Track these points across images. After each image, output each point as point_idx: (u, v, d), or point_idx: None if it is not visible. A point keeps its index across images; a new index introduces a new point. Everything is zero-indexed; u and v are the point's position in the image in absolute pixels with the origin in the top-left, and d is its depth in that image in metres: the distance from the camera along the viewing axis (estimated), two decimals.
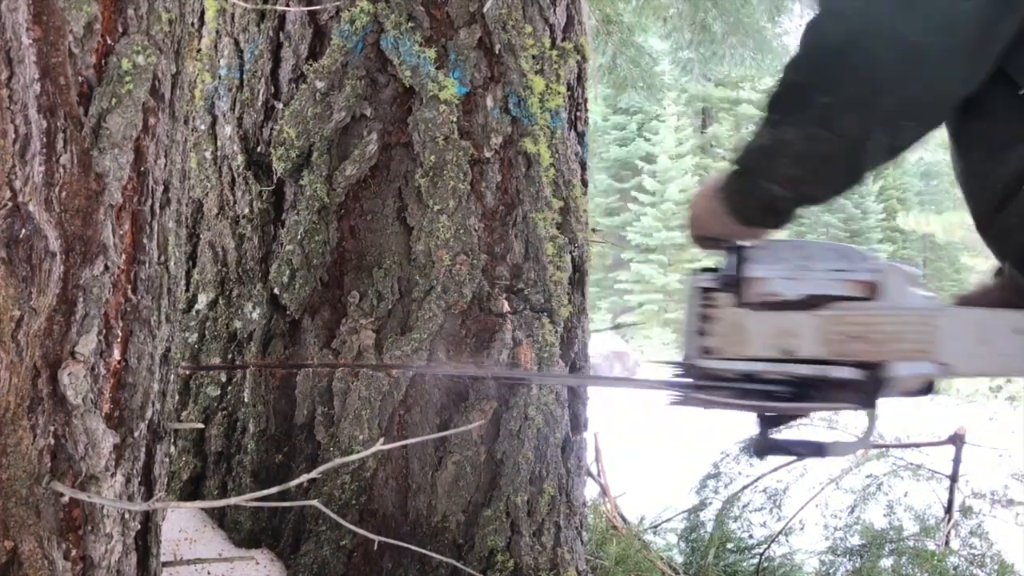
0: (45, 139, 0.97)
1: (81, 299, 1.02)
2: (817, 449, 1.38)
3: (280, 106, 1.85)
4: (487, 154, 1.83)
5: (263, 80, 1.88)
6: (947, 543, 2.86)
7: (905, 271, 1.33)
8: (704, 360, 1.33)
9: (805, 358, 1.29)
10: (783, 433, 1.46)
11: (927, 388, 1.38)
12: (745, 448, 1.50)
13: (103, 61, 1.03)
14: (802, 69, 1.15)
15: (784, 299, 1.30)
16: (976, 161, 1.23)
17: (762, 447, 1.44)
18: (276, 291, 1.81)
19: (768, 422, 1.46)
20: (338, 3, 1.79)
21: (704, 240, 1.42)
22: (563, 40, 2.00)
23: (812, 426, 3.34)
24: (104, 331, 1.05)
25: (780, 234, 1.38)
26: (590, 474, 3.11)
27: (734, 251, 1.35)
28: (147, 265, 1.12)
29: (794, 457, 1.44)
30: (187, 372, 1.90)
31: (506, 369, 1.81)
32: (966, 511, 2.91)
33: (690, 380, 1.38)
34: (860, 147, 1.13)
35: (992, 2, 1.07)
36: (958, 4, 1.06)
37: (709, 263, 1.47)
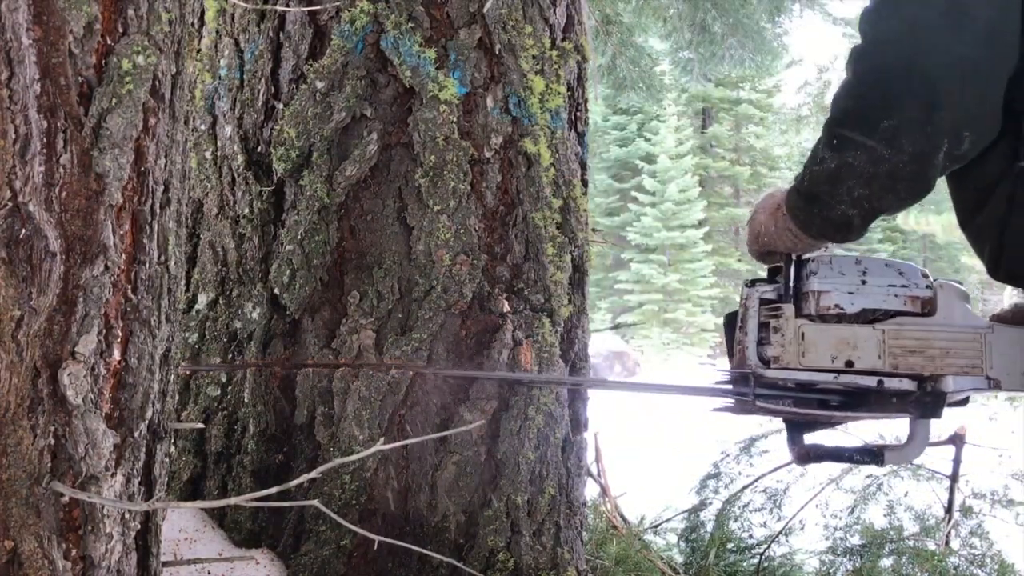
0: (45, 139, 0.97)
1: (81, 299, 1.02)
2: (874, 457, 1.43)
3: (280, 106, 1.85)
4: (487, 154, 1.83)
5: (263, 80, 1.88)
6: (947, 543, 2.86)
7: (958, 288, 1.38)
8: (766, 370, 1.37)
9: (864, 369, 1.33)
10: (820, 438, 1.50)
11: (964, 400, 1.43)
12: (793, 458, 1.52)
13: (103, 61, 1.03)
14: (860, 96, 1.20)
15: (845, 312, 1.35)
16: (960, 170, 1.27)
17: (804, 454, 1.47)
18: (276, 291, 1.81)
19: (798, 429, 1.49)
20: (338, 3, 1.79)
21: (767, 255, 1.45)
22: (563, 40, 2.00)
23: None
24: (104, 331, 1.05)
25: (837, 249, 1.43)
26: (590, 474, 3.11)
27: (795, 264, 1.39)
28: (147, 265, 1.12)
29: (846, 464, 1.48)
30: (187, 372, 1.90)
31: (507, 371, 1.81)
32: (966, 511, 2.91)
33: (748, 389, 1.40)
34: (927, 161, 1.18)
35: (1016, 16, 1.12)
36: (1004, 19, 1.11)
37: (762, 274, 1.51)
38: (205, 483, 1.87)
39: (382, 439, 1.69)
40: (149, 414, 1.15)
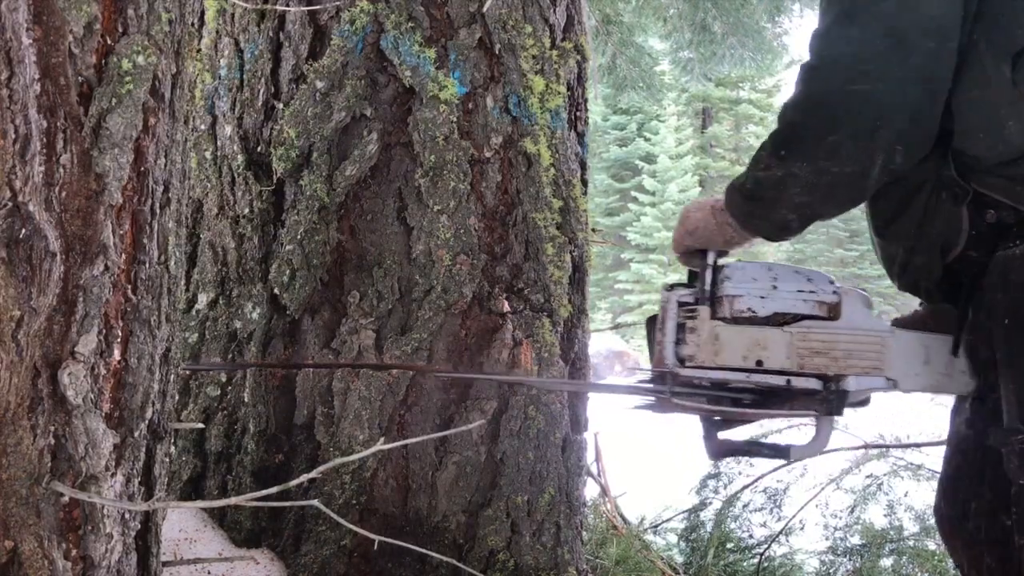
0: (45, 139, 0.97)
1: (81, 299, 1.02)
2: (781, 452, 1.54)
3: (280, 106, 1.85)
4: (487, 154, 1.83)
5: (263, 80, 1.88)
6: None
7: (862, 295, 1.49)
8: (682, 368, 1.47)
9: (773, 369, 1.43)
10: (739, 435, 1.61)
11: (864, 400, 1.54)
12: (707, 453, 1.64)
13: (103, 61, 1.03)
14: (807, 112, 1.31)
15: (757, 315, 1.44)
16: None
17: (717, 449, 1.59)
18: (276, 291, 1.81)
19: (715, 425, 1.60)
20: (338, 3, 1.79)
21: (691, 255, 1.55)
22: (563, 40, 2.00)
23: (813, 426, 3.33)
24: (104, 331, 1.05)
25: (747, 256, 1.51)
26: (590, 474, 3.11)
27: (711, 269, 1.50)
28: (147, 265, 1.12)
29: (752, 457, 1.60)
30: (187, 372, 1.90)
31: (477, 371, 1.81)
32: None
33: (665, 387, 1.49)
34: (865, 174, 1.29)
35: (956, 42, 1.24)
36: (939, 45, 1.22)
37: (679, 279, 1.61)
38: (205, 483, 1.87)
39: (382, 439, 1.69)
40: (149, 414, 1.15)
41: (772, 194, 1.37)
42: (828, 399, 1.44)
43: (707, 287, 1.49)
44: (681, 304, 1.50)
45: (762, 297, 1.44)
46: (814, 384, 1.44)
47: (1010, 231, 1.30)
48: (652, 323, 1.55)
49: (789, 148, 1.33)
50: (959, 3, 1.23)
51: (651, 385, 1.54)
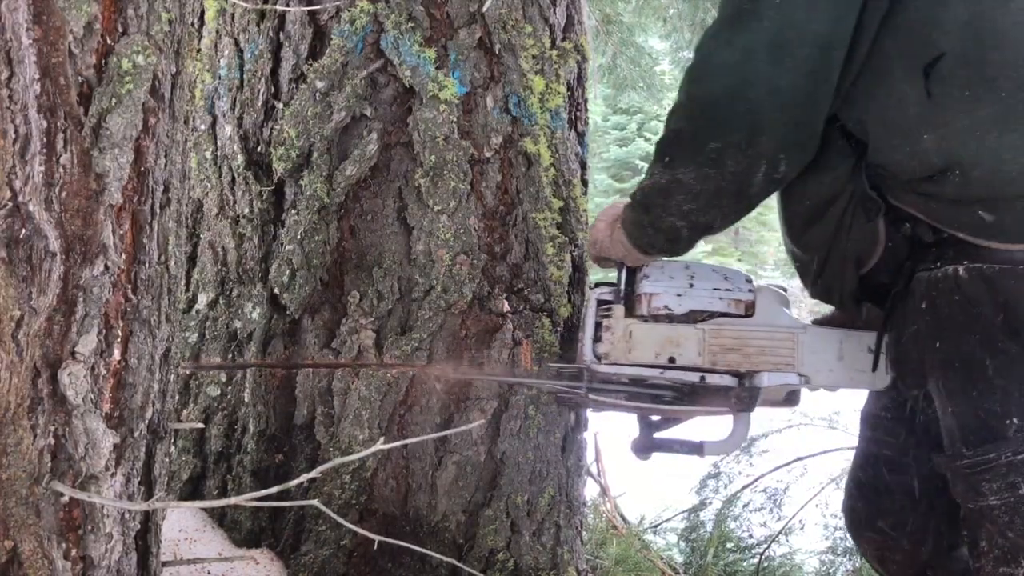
0: (45, 139, 0.97)
1: (81, 299, 1.02)
2: (695, 448, 1.56)
3: (280, 106, 1.85)
4: (487, 154, 1.83)
5: (263, 80, 1.88)
6: None
7: (778, 293, 1.51)
8: (598, 365, 1.50)
9: (686, 366, 1.46)
10: (665, 433, 1.64)
11: (791, 399, 1.56)
12: (632, 451, 1.68)
13: (103, 61, 1.03)
14: (689, 117, 1.32)
15: (673, 313, 1.47)
16: (794, 184, 1.36)
17: (642, 446, 1.61)
18: (276, 291, 1.81)
19: (651, 425, 1.62)
20: (338, 3, 1.79)
21: (604, 261, 1.58)
22: (563, 40, 2.00)
23: (813, 426, 3.34)
24: (104, 331, 1.05)
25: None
26: (590, 474, 3.11)
27: (626, 270, 1.52)
28: (147, 265, 1.12)
29: (673, 454, 1.64)
30: (187, 372, 1.90)
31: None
32: None
33: (583, 384, 1.53)
34: (747, 181, 1.30)
35: (842, 56, 1.24)
36: (822, 57, 1.22)
37: (604, 277, 1.64)
38: (205, 483, 1.87)
39: (382, 439, 1.69)
40: (149, 414, 1.15)
41: (659, 201, 1.37)
42: (741, 396, 1.45)
43: (622, 287, 1.52)
44: (600, 303, 1.54)
45: (679, 295, 1.47)
46: (728, 381, 1.46)
47: (928, 250, 1.29)
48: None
49: (673, 154, 1.33)
50: (851, 16, 1.22)
51: (569, 381, 1.59)
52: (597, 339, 1.52)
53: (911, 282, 1.31)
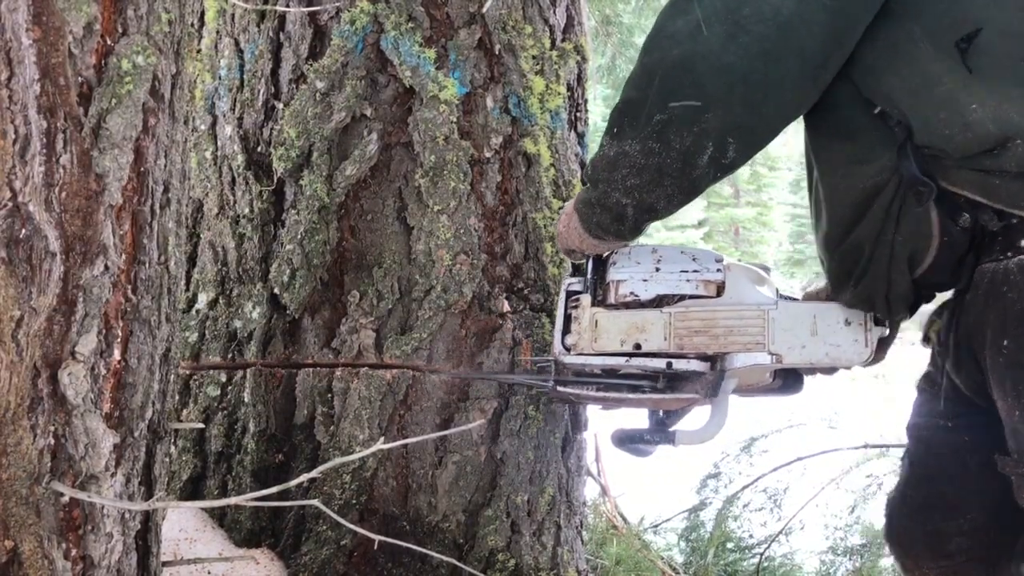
0: (45, 139, 0.98)
1: (81, 299, 1.02)
2: (667, 438, 1.50)
3: (280, 106, 1.85)
4: (487, 154, 1.83)
5: (263, 80, 1.88)
6: None
7: (751, 270, 1.44)
8: (566, 356, 1.46)
9: (653, 352, 1.40)
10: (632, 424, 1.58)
11: (788, 386, 1.48)
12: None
13: (103, 61, 1.03)
14: (639, 86, 1.24)
15: (640, 299, 1.42)
16: (837, 182, 1.28)
17: (615, 438, 1.55)
18: (276, 291, 1.81)
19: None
20: (338, 3, 1.79)
21: (571, 253, 1.53)
22: (563, 41, 2.00)
23: (813, 426, 3.34)
24: (104, 331, 1.05)
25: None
26: (590, 474, 3.11)
27: (591, 260, 1.48)
28: (147, 265, 1.12)
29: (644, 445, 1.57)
30: (187, 372, 1.90)
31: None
32: None
33: (549, 376, 1.50)
34: (691, 161, 1.22)
35: (817, 42, 1.15)
36: (783, 39, 1.15)
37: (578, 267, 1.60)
38: (205, 483, 1.87)
39: (382, 439, 1.69)
40: (149, 414, 1.15)
41: (605, 175, 1.31)
42: (712, 381, 1.39)
43: (589, 276, 1.48)
44: (570, 294, 1.50)
45: (644, 280, 1.42)
46: (698, 366, 1.39)
47: (994, 240, 1.17)
48: None
49: (621, 125, 1.27)
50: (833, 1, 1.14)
51: (536, 376, 1.57)
52: (567, 331, 1.49)
53: (973, 276, 1.20)
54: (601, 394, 1.48)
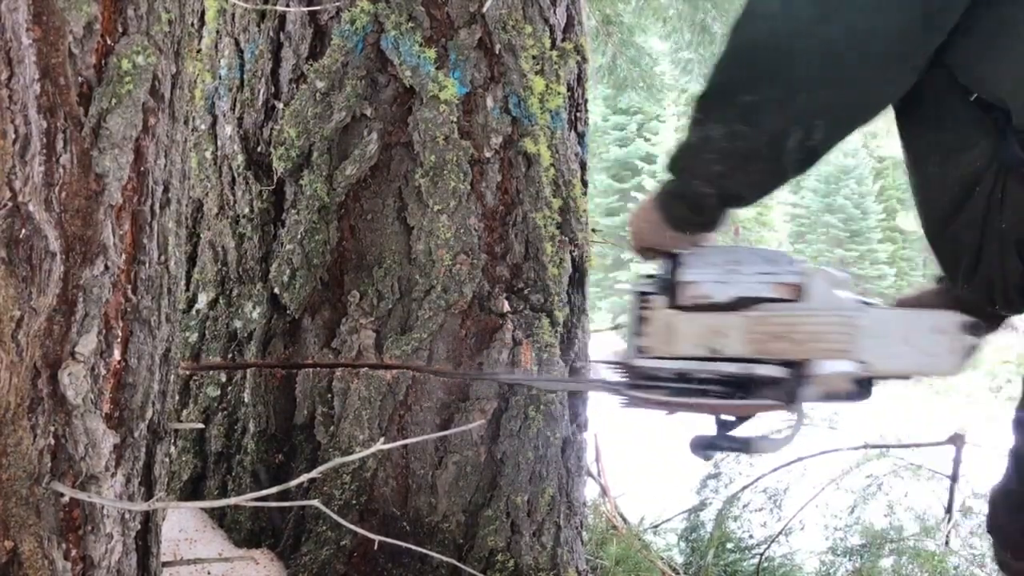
0: (45, 139, 0.97)
1: (81, 299, 1.02)
2: (743, 445, 1.44)
3: (280, 106, 1.85)
4: (487, 154, 1.83)
5: (263, 80, 1.88)
6: (947, 543, 2.86)
7: (832, 274, 1.38)
8: (638, 359, 1.40)
9: (731, 356, 1.34)
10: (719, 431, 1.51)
11: (860, 393, 1.42)
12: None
13: (103, 61, 1.03)
14: (727, 68, 1.19)
15: (716, 301, 1.35)
16: (930, 170, 1.24)
17: (695, 445, 1.49)
18: (276, 291, 1.81)
19: (724, 424, 1.51)
20: (338, 3, 1.79)
21: (646, 251, 1.48)
22: (563, 40, 2.00)
23: (813, 426, 3.34)
24: (104, 331, 1.05)
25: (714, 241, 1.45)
26: (590, 474, 3.11)
27: (671, 258, 1.42)
28: (147, 265, 1.12)
29: (721, 452, 1.51)
30: (187, 372, 1.90)
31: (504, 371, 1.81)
32: (966, 511, 2.91)
33: (622, 380, 1.44)
34: (779, 144, 1.16)
35: (910, 18, 1.10)
36: (878, 14, 1.09)
37: (651, 270, 1.54)
38: (205, 483, 1.87)
39: (382, 439, 1.69)
40: (149, 414, 1.15)
41: (687, 162, 1.26)
42: (793, 387, 1.34)
43: (663, 276, 1.43)
44: (641, 295, 1.44)
45: (720, 282, 1.37)
46: (778, 372, 1.34)
47: None
48: None
49: (707, 108, 1.22)
50: None
51: (610, 379, 1.49)
52: (639, 333, 1.42)
53: None
54: (682, 399, 1.43)
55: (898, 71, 1.15)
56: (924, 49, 1.13)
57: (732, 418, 1.51)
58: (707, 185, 1.25)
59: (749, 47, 1.17)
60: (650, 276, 1.48)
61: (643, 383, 1.43)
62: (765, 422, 1.51)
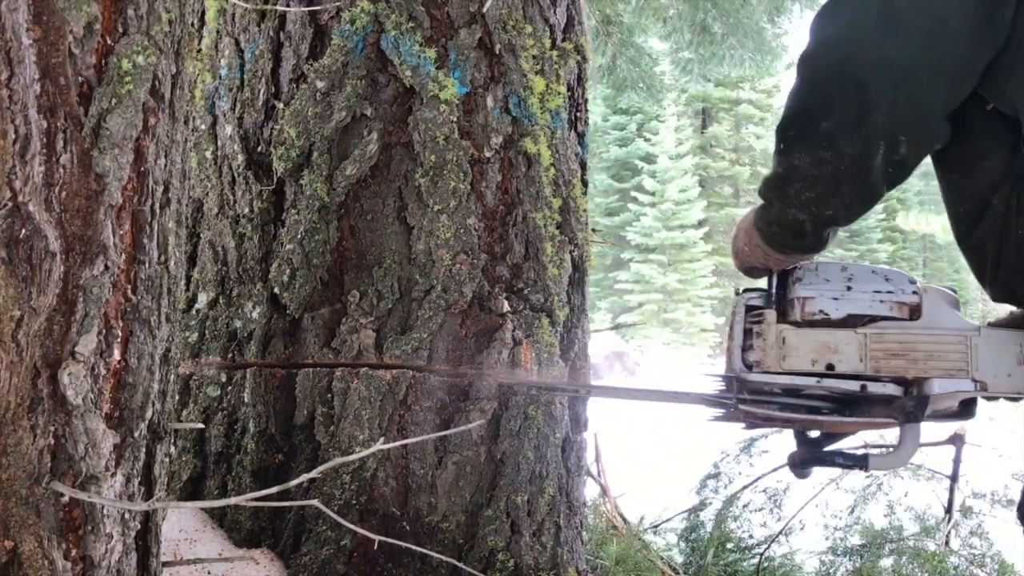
0: (45, 139, 0.97)
1: (81, 299, 1.02)
2: (858, 462, 1.43)
3: (281, 106, 1.85)
4: (487, 154, 1.83)
5: (264, 80, 1.88)
6: (947, 543, 2.86)
7: (946, 293, 1.40)
8: (749, 374, 1.39)
9: (846, 373, 1.34)
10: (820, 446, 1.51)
11: (964, 412, 1.43)
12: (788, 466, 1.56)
13: (103, 61, 1.03)
14: (802, 98, 1.24)
15: (830, 318, 1.36)
16: (955, 180, 1.29)
17: (800, 461, 1.48)
18: (276, 290, 1.81)
19: (807, 439, 1.50)
20: (339, 3, 1.79)
21: (751, 271, 1.49)
22: (563, 40, 2.00)
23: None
24: (104, 331, 1.05)
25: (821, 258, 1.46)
26: (590, 474, 3.11)
27: (781, 272, 1.43)
28: (147, 265, 1.12)
29: (836, 469, 1.51)
30: (187, 372, 1.90)
31: (507, 372, 1.81)
32: (966, 511, 2.91)
33: (733, 395, 1.42)
34: (864, 164, 1.20)
35: (972, 26, 1.15)
36: (940, 28, 1.14)
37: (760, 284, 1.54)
38: (205, 483, 1.87)
39: (382, 439, 1.69)
40: (149, 414, 1.15)
41: (778, 192, 1.30)
42: (909, 405, 1.35)
43: (773, 291, 1.43)
44: (749, 309, 1.45)
45: (835, 299, 1.37)
46: (893, 389, 1.35)
47: None
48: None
49: (788, 139, 1.26)
50: None
51: (718, 393, 1.48)
52: (746, 347, 1.43)
53: None
54: (793, 415, 1.43)
55: (964, 78, 1.19)
56: (983, 58, 1.17)
57: (816, 434, 1.51)
58: (802, 212, 1.29)
59: (820, 76, 1.21)
60: (755, 290, 1.48)
61: (753, 398, 1.42)
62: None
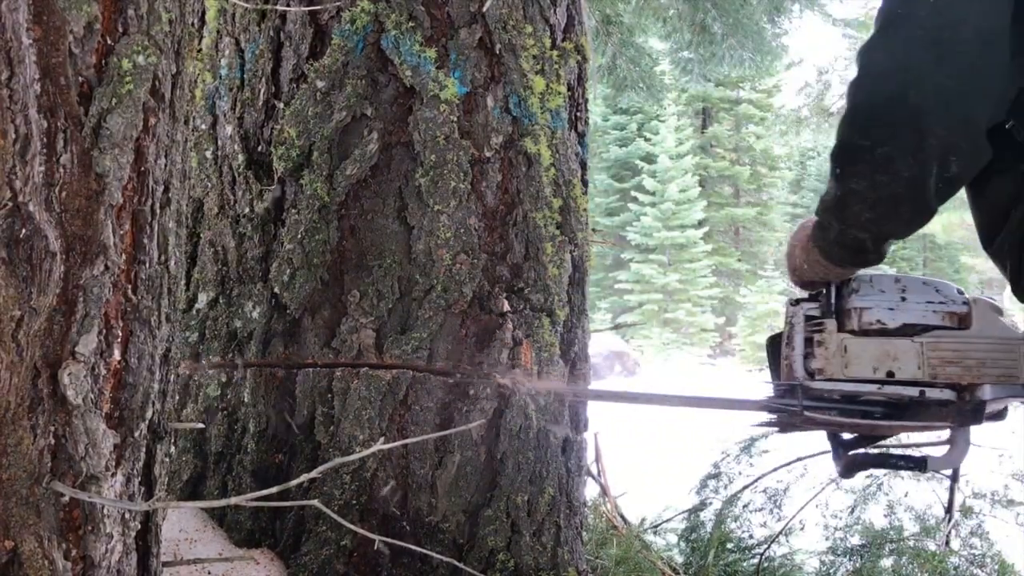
0: (45, 139, 0.97)
1: (81, 299, 1.02)
2: (917, 463, 1.53)
3: (281, 106, 1.85)
4: (487, 154, 1.83)
5: (264, 80, 1.88)
6: (947, 543, 2.86)
7: (992, 303, 1.47)
8: (812, 381, 1.47)
9: (905, 379, 1.42)
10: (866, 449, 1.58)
11: (1000, 413, 1.53)
12: (838, 471, 1.63)
13: (103, 61, 1.03)
14: (856, 126, 1.30)
15: (887, 327, 1.44)
16: (978, 189, 1.36)
17: (850, 464, 1.56)
18: (276, 290, 1.81)
19: (844, 443, 1.58)
20: (339, 3, 1.79)
21: (810, 284, 1.56)
22: (563, 40, 2.00)
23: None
24: (104, 331, 1.05)
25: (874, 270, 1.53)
26: (590, 474, 3.11)
27: (834, 286, 1.50)
28: (147, 265, 1.12)
29: (886, 470, 1.59)
30: (187, 372, 1.90)
31: (506, 372, 1.81)
32: (966, 511, 2.91)
33: (795, 401, 1.49)
34: (922, 184, 1.27)
35: (1008, 51, 1.21)
36: (989, 53, 1.21)
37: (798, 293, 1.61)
38: (205, 483, 1.87)
39: (382, 439, 1.69)
40: (149, 414, 1.15)
41: (838, 215, 1.36)
42: (963, 409, 1.42)
43: (832, 301, 1.50)
44: (808, 318, 1.51)
45: (891, 309, 1.45)
46: (947, 395, 1.42)
47: None
48: (774, 342, 1.56)
49: (844, 166, 1.33)
50: (1007, 8, 1.21)
51: (779, 401, 1.54)
52: (807, 355, 1.49)
53: None
54: (867, 421, 1.49)
55: (1004, 97, 1.25)
56: (1022, 79, 1.24)
57: (850, 437, 1.58)
58: (863, 231, 1.35)
59: (877, 105, 1.27)
60: (810, 299, 1.54)
61: (816, 404, 1.48)
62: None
